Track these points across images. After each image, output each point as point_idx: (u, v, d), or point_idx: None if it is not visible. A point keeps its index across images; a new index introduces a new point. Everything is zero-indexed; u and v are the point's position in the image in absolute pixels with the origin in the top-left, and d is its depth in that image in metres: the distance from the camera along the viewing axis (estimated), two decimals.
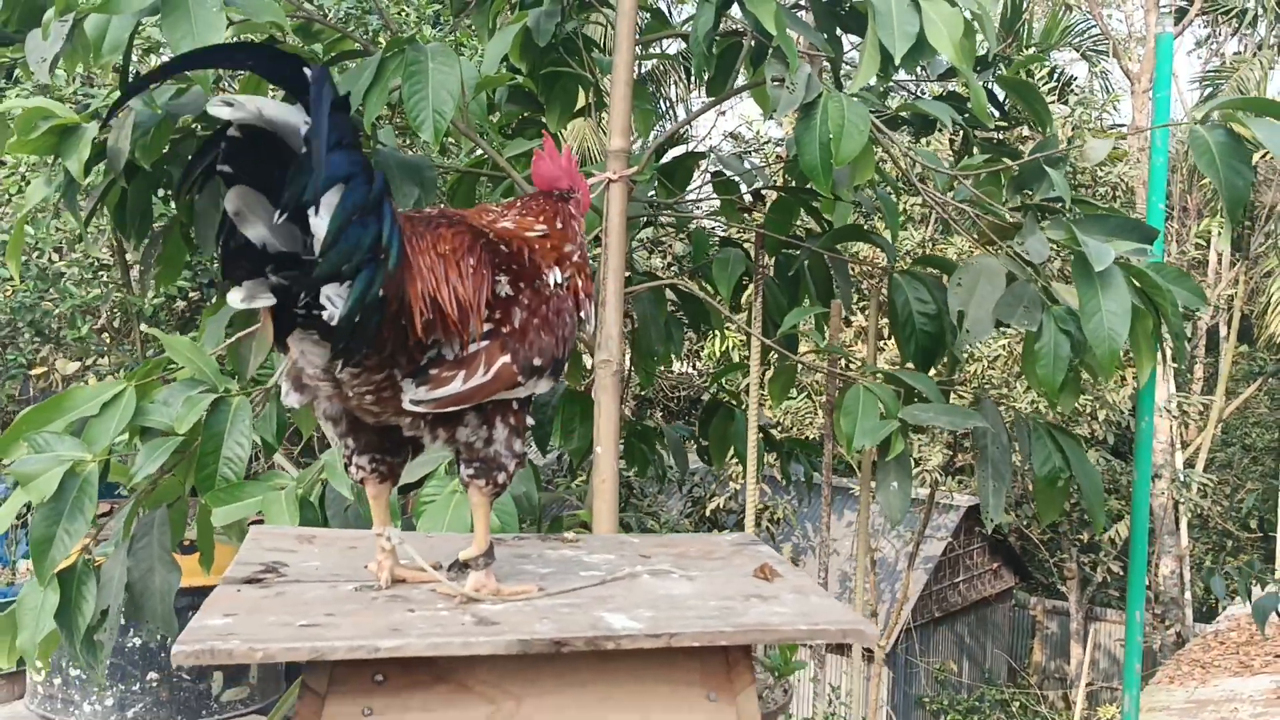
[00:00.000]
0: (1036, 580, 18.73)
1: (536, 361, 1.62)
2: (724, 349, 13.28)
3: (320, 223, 1.30)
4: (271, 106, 1.27)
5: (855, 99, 2.55)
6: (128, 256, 5.00)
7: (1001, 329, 3.04)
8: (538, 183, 1.81)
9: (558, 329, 1.66)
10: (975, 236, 3.09)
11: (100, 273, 5.20)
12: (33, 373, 6.19)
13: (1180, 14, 18.46)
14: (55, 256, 5.19)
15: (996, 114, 3.54)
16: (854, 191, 3.18)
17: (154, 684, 4.89)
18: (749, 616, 1.62)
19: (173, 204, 3.22)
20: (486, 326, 1.56)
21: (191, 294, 5.47)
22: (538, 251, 1.69)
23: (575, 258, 1.74)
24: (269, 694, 5.38)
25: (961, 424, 2.78)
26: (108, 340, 5.84)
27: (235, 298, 1.33)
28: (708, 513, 12.77)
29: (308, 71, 1.31)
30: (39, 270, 5.09)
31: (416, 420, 1.57)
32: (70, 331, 5.20)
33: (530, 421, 1.70)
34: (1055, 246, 2.76)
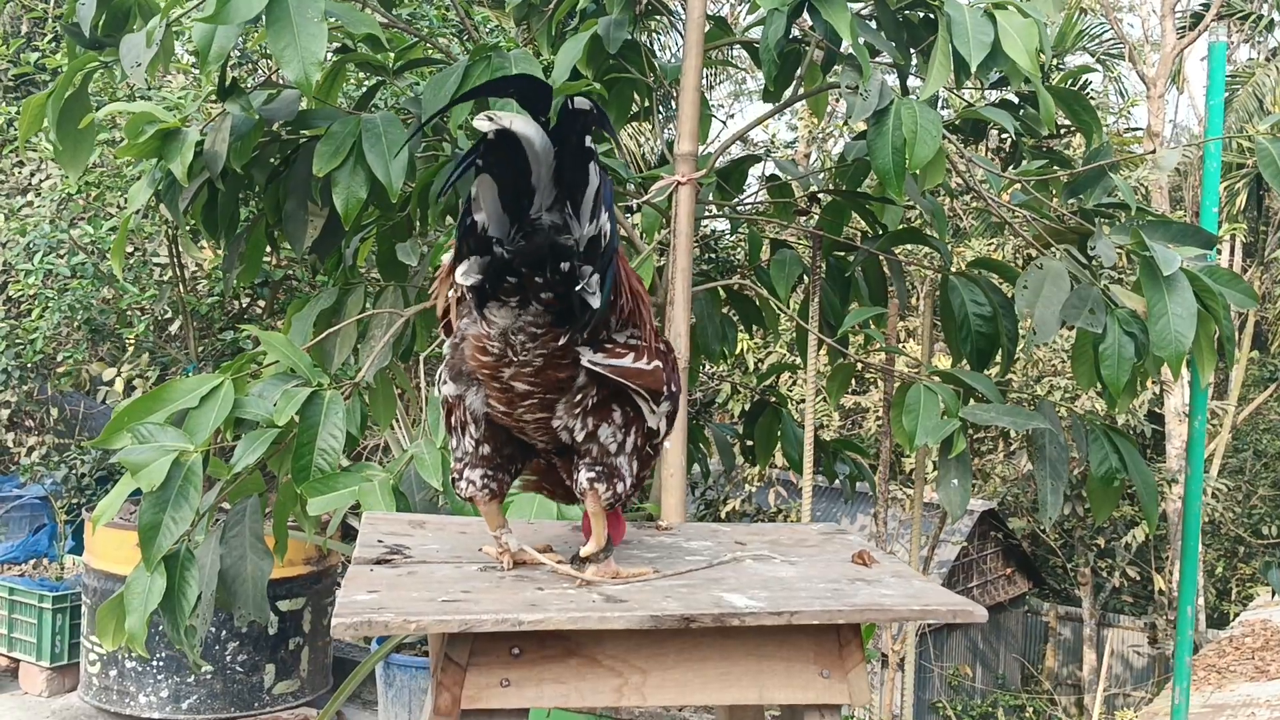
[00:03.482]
0: (1050, 586, 18.78)
1: (673, 387, 1.76)
2: (737, 352, 13.36)
3: (585, 210, 1.50)
4: (522, 121, 1.44)
5: (926, 105, 2.64)
6: (198, 257, 5.11)
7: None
8: None
9: (678, 372, 1.82)
10: (1031, 240, 3.18)
11: (155, 270, 5.30)
12: (59, 370, 6.28)
13: (1196, 19, 18.53)
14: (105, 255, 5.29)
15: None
16: (924, 195, 3.27)
17: (208, 676, 4.98)
18: (860, 598, 1.71)
19: (252, 205, 3.32)
20: (639, 339, 1.70)
21: (245, 294, 5.57)
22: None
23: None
24: (318, 687, 5.47)
25: (1024, 424, 2.86)
26: (162, 339, 5.89)
27: (459, 272, 1.52)
28: (722, 515, 12.83)
29: (581, 100, 1.49)
30: (95, 270, 5.19)
31: (574, 405, 1.66)
32: (127, 330, 5.30)
33: (651, 459, 1.82)
34: (1119, 251, 2.85)
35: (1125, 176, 12.68)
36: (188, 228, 2.98)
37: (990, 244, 11.57)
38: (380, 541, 1.95)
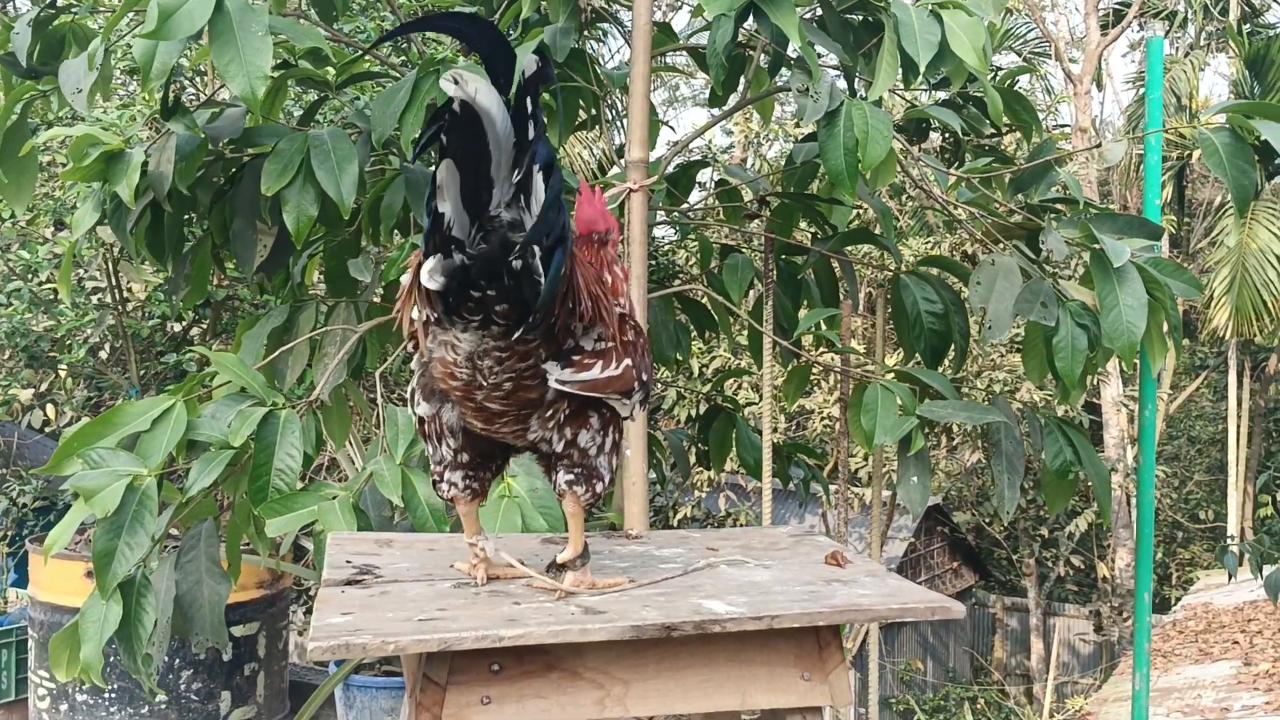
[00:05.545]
0: (995, 578, 19.05)
1: (644, 377, 1.73)
2: (726, 350, 13.34)
3: (537, 192, 1.42)
4: (485, 92, 1.36)
5: (876, 106, 2.66)
6: (142, 280, 5.00)
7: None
8: (580, 227, 1.89)
9: (647, 356, 1.78)
10: (980, 237, 3.22)
11: (93, 296, 5.18)
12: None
13: (1118, 17, 18.94)
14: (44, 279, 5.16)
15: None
16: (873, 195, 3.29)
17: (163, 706, 4.87)
18: (838, 599, 1.71)
19: (198, 226, 3.26)
20: (604, 339, 1.66)
21: (184, 316, 5.46)
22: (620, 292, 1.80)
23: (625, 305, 1.83)
24: (275, 712, 5.37)
25: (979, 419, 2.89)
26: (103, 364, 5.77)
27: (425, 269, 1.45)
28: (674, 521, 12.84)
29: (529, 60, 1.43)
30: (32, 294, 5.06)
31: (547, 419, 1.64)
32: (65, 356, 5.17)
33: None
34: (1069, 244, 2.89)
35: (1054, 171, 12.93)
36: (135, 251, 2.91)
37: (927, 242, 11.72)
38: (349, 562, 1.92)
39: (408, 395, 1.77)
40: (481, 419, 1.65)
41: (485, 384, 1.60)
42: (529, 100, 1.40)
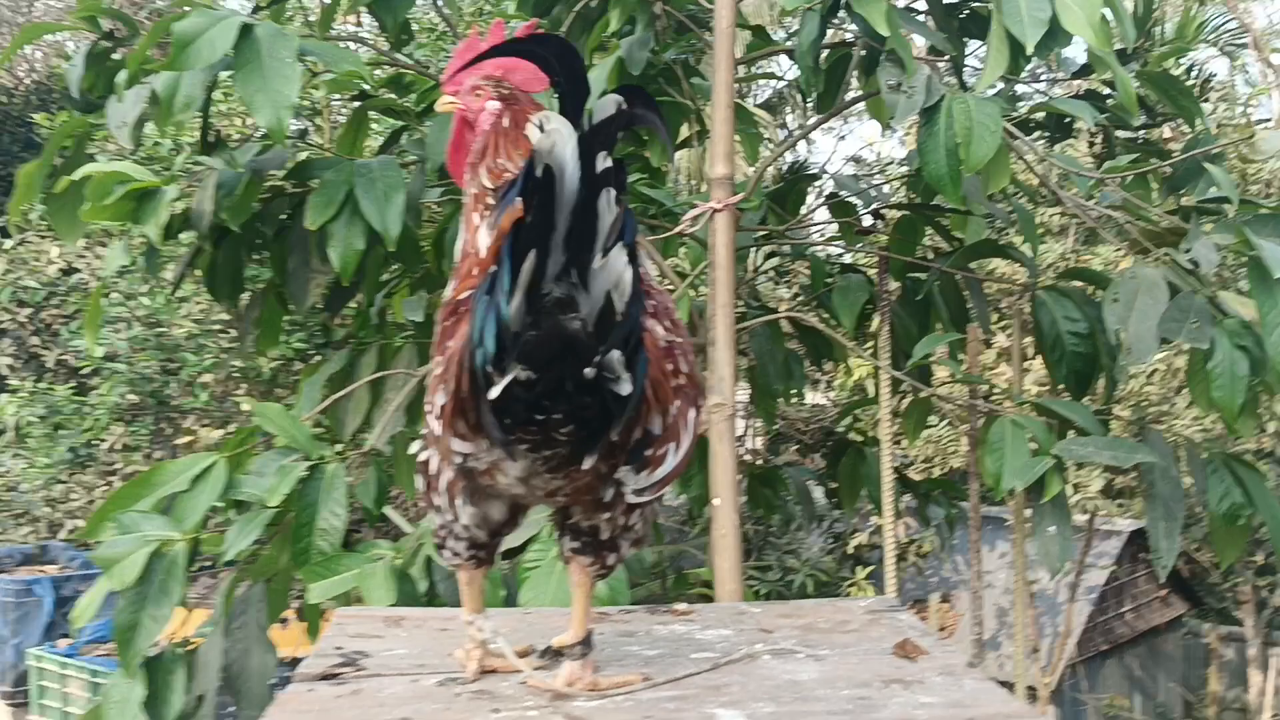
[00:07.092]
0: (1208, 606, 17.66)
1: (701, 401, 1.41)
2: (857, 379, 12.85)
3: (612, 271, 1.12)
4: (566, 142, 1.08)
5: (983, 98, 2.29)
6: (227, 318, 5.00)
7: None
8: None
9: (691, 355, 1.44)
10: (1126, 245, 2.78)
11: (219, 338, 5.22)
12: (179, 442, 6.24)
13: None
14: (175, 327, 5.23)
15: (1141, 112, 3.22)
16: (988, 202, 2.89)
17: None
18: (890, 710, 1.36)
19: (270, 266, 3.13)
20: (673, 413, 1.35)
21: (311, 356, 5.42)
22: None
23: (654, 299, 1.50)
24: None
25: (1127, 460, 2.46)
26: (245, 407, 5.85)
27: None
28: (850, 549, 12.33)
29: (606, 101, 1.14)
30: (158, 340, 5.13)
31: (599, 506, 1.36)
32: (189, 401, 5.23)
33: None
34: (1223, 252, 2.44)
35: (1258, 169, 11.86)
36: (168, 295, 2.79)
37: (1074, 252, 10.82)
38: (339, 648, 1.68)
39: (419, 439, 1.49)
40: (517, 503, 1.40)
41: (538, 495, 1.34)
42: (598, 149, 1.10)
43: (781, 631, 1.74)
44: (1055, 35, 2.21)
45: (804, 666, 1.56)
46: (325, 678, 1.55)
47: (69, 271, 7.61)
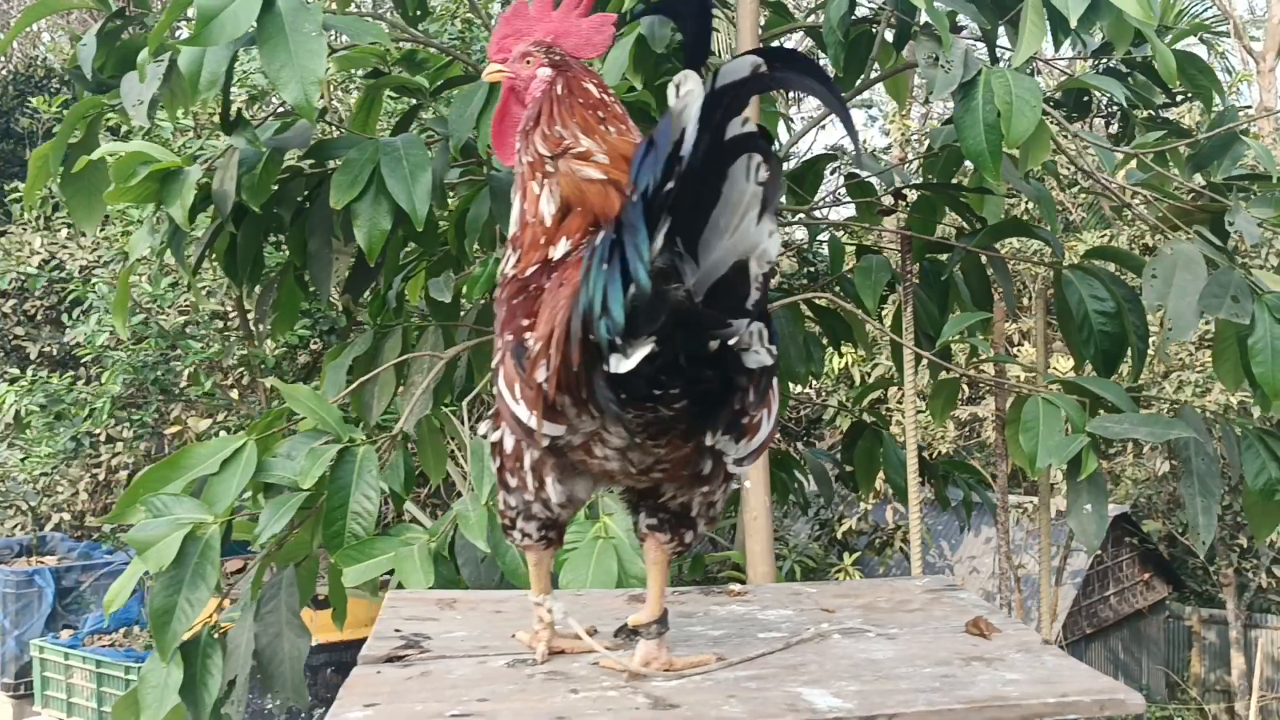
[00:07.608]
0: (1190, 589, 17.80)
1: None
2: (841, 366, 12.82)
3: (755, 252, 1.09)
4: (697, 101, 1.03)
5: (1021, 73, 2.26)
6: (207, 307, 4.93)
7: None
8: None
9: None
10: (1156, 223, 2.76)
11: (223, 327, 5.13)
12: (167, 432, 6.17)
13: None
14: (176, 314, 5.15)
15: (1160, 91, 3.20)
16: (1028, 180, 2.87)
17: None
18: (978, 687, 1.34)
19: (285, 249, 3.08)
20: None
21: (314, 343, 5.35)
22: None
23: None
24: None
25: (1163, 435, 2.45)
26: (235, 395, 5.78)
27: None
28: (839, 535, 12.33)
29: (741, 64, 1.07)
30: (159, 328, 5.05)
31: (690, 480, 1.33)
32: (194, 388, 5.15)
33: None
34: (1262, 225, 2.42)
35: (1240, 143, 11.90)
36: (190, 277, 2.74)
37: (1103, 236, 10.86)
38: (398, 631, 1.64)
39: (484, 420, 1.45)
40: (605, 476, 1.35)
41: (631, 471, 1.30)
42: (723, 114, 1.04)
43: (844, 611, 1.72)
44: (1098, 8, 2.18)
45: (877, 646, 1.53)
46: (390, 660, 1.52)
47: (50, 262, 7.51)
